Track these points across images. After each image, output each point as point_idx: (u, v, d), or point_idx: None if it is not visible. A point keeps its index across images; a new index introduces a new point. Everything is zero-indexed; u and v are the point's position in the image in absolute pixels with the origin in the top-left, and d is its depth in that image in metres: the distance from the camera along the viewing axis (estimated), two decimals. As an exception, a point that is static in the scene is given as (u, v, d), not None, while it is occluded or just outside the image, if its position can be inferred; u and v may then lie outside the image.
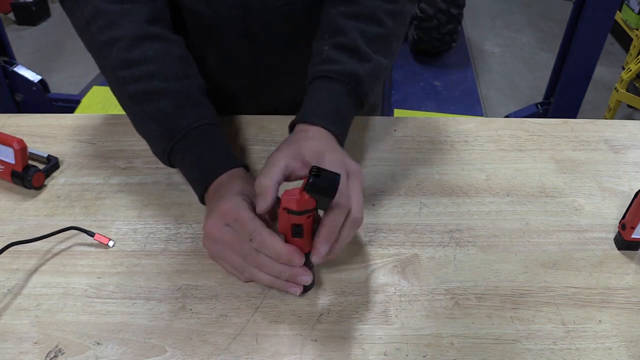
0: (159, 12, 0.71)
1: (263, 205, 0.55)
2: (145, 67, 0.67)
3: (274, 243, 0.54)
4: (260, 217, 0.56)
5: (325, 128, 0.63)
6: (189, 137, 0.65)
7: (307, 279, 0.55)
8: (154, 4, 0.71)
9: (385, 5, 0.71)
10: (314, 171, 0.50)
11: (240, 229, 0.55)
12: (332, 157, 0.57)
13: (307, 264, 0.56)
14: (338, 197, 0.53)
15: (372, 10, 0.70)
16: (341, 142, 0.65)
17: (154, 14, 0.70)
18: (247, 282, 0.58)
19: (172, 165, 0.68)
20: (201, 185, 0.63)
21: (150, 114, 0.66)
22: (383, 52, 0.70)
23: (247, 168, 0.66)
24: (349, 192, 0.55)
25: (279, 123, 0.83)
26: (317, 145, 0.59)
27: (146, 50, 0.67)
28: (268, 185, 0.55)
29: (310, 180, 0.50)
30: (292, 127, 0.66)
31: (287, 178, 0.58)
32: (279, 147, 0.61)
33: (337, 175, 0.51)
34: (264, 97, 0.87)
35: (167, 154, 0.66)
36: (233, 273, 0.58)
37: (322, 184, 0.50)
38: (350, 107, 0.68)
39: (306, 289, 0.57)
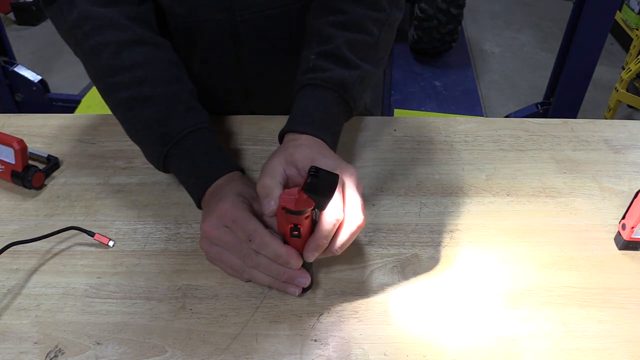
0: (145, 16, 0.71)
1: (271, 205, 0.54)
2: (135, 73, 0.66)
3: (273, 244, 0.54)
4: (258, 218, 0.56)
5: (314, 136, 0.63)
6: (184, 143, 0.65)
7: (304, 281, 0.55)
8: (139, 8, 0.70)
9: (372, 14, 0.71)
10: (312, 171, 0.50)
11: (239, 230, 0.55)
12: (325, 163, 0.57)
13: (305, 264, 0.56)
14: (326, 210, 0.53)
15: (358, 19, 0.70)
16: (332, 148, 0.64)
17: (140, 18, 0.69)
18: (247, 281, 0.58)
19: (166, 171, 0.68)
20: (198, 190, 0.63)
21: (142, 121, 0.66)
22: (369, 59, 0.71)
23: (242, 171, 0.66)
24: (340, 202, 0.55)
25: (279, 123, 0.82)
26: (309, 152, 0.59)
27: (135, 56, 0.66)
28: (272, 185, 0.55)
29: (309, 181, 0.50)
30: (281, 137, 0.66)
31: (285, 185, 0.58)
32: (273, 155, 0.60)
33: (336, 176, 0.51)
34: (252, 101, 0.87)
35: (162, 160, 0.66)
36: (232, 274, 0.58)
37: (320, 184, 0.50)
38: (338, 113, 0.68)
39: (305, 289, 0.57)
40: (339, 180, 0.56)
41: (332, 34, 0.69)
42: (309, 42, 0.72)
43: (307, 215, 0.52)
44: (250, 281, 0.58)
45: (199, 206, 0.64)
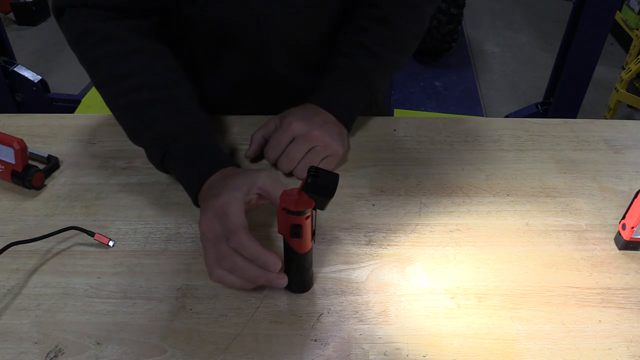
0: (145, 28, 0.73)
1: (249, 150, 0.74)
2: (133, 80, 0.69)
3: (251, 245, 0.54)
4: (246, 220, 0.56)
5: (318, 105, 0.75)
6: (180, 142, 0.66)
7: (282, 282, 0.55)
8: (140, 21, 0.72)
9: (400, 10, 0.78)
10: (312, 172, 0.50)
11: (224, 226, 0.55)
12: (292, 122, 0.72)
13: (305, 264, 0.56)
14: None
15: (386, 14, 0.79)
16: (344, 122, 0.76)
17: (140, 29, 0.72)
18: (216, 282, 0.57)
19: (167, 171, 0.70)
20: (194, 188, 0.64)
21: (142, 124, 0.68)
22: (393, 49, 0.80)
23: (238, 167, 0.66)
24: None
25: (279, 123, 0.83)
26: (290, 115, 0.73)
27: (133, 64, 0.69)
28: (256, 136, 0.75)
29: (309, 181, 0.50)
30: None
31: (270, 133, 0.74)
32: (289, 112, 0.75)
33: (336, 176, 0.51)
34: (269, 107, 0.87)
35: (161, 160, 0.67)
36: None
37: (320, 184, 0.50)
38: (356, 94, 0.79)
39: (303, 288, 0.57)
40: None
41: (362, 26, 0.79)
42: (345, 29, 0.81)
43: (307, 215, 0.52)
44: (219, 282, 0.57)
45: (196, 203, 0.64)
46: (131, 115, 0.69)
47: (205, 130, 0.68)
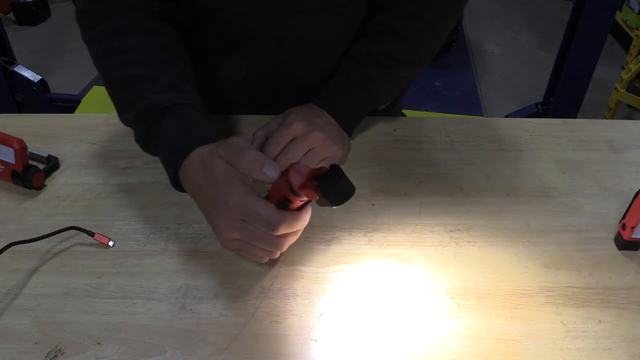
0: (147, 6, 0.71)
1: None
2: (126, 56, 0.67)
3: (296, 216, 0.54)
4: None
5: (319, 106, 0.76)
6: (158, 118, 0.63)
7: None
8: (149, 4, 0.71)
9: (415, 24, 0.78)
10: (336, 171, 0.48)
11: (256, 224, 0.53)
12: (293, 121, 0.71)
13: None
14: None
15: (401, 25, 0.78)
16: (344, 126, 0.76)
17: (141, 8, 0.71)
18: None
19: (151, 152, 0.67)
20: (170, 168, 0.61)
21: (128, 100, 0.66)
22: (402, 62, 0.79)
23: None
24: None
25: (279, 123, 0.83)
26: (293, 114, 0.73)
27: (128, 40, 0.69)
28: (258, 133, 0.73)
29: (329, 182, 0.48)
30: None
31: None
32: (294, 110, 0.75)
33: (353, 189, 0.49)
34: (273, 106, 0.87)
35: (143, 139, 0.65)
36: (260, 261, 0.59)
37: (336, 190, 0.48)
38: (359, 100, 0.79)
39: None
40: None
41: (375, 33, 0.79)
42: (361, 33, 0.81)
43: (302, 199, 0.52)
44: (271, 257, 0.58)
45: (177, 186, 0.62)
46: (120, 90, 0.68)
47: (189, 108, 0.65)
